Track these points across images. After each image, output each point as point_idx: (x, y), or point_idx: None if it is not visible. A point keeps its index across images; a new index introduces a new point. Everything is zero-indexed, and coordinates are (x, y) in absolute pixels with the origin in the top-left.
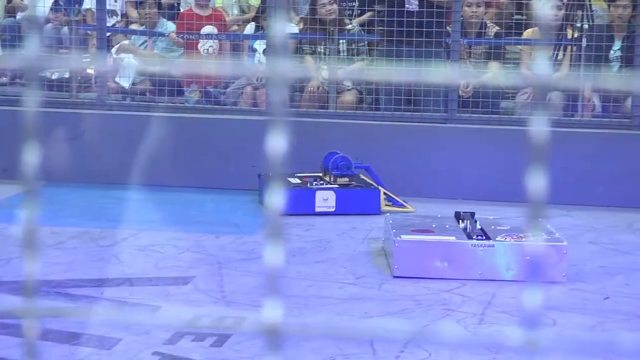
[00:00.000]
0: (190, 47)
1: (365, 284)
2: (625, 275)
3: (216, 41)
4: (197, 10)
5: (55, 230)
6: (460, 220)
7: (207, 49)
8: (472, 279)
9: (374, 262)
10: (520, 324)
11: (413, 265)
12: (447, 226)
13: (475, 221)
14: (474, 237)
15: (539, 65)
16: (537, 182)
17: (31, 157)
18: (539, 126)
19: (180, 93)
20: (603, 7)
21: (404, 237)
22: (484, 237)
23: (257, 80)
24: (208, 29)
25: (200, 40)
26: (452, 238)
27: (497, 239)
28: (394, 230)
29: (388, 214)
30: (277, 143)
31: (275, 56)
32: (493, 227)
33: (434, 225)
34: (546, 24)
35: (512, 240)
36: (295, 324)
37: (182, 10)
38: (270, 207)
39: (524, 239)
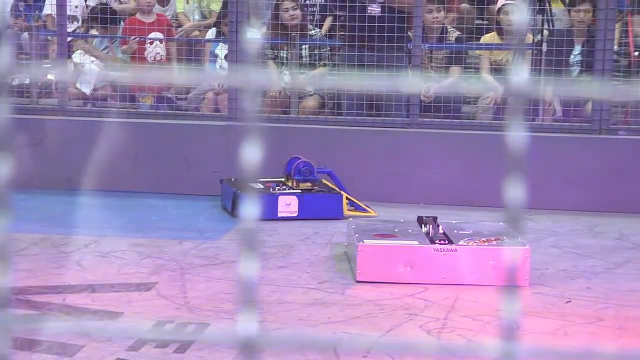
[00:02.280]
0: (136, 54)
1: (329, 289)
2: (587, 279)
3: (163, 47)
4: (140, 17)
5: (16, 237)
6: (423, 225)
7: (154, 56)
8: (435, 283)
9: (337, 267)
10: (497, 334)
11: (376, 270)
12: (410, 231)
13: (438, 225)
14: (436, 242)
15: (517, 72)
16: (515, 190)
17: (2, 167)
18: (516, 134)
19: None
20: (561, 9)
21: (367, 241)
22: (447, 242)
23: (218, 86)
24: (154, 35)
25: (147, 47)
26: (415, 242)
27: (459, 243)
28: (357, 235)
29: (351, 218)
30: (251, 152)
31: (245, 64)
32: (455, 231)
33: (396, 230)
34: (520, 29)
35: (474, 244)
36: (269, 338)
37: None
38: (245, 218)
39: (486, 244)
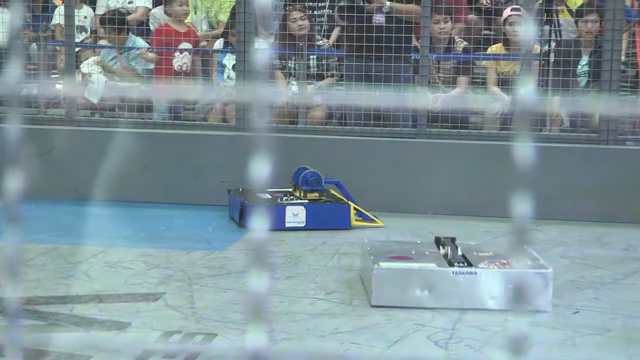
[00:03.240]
0: (162, 62)
1: (336, 299)
2: (595, 290)
3: (190, 58)
4: (174, 26)
5: (24, 247)
6: (441, 246)
7: (182, 66)
8: (453, 308)
9: (345, 277)
10: (505, 349)
11: (392, 293)
12: (427, 252)
13: (457, 247)
14: (455, 264)
15: (524, 84)
16: (521, 207)
17: (14, 182)
18: (523, 150)
19: (149, 109)
20: (569, 20)
21: (383, 264)
22: (466, 264)
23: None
24: (184, 45)
25: (175, 57)
26: (433, 265)
27: (479, 265)
28: (372, 257)
29: (366, 240)
30: (259, 164)
31: (253, 75)
32: (475, 253)
33: (413, 252)
34: (527, 40)
35: (495, 267)
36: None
37: (151, 27)
38: (254, 233)
39: (507, 266)
